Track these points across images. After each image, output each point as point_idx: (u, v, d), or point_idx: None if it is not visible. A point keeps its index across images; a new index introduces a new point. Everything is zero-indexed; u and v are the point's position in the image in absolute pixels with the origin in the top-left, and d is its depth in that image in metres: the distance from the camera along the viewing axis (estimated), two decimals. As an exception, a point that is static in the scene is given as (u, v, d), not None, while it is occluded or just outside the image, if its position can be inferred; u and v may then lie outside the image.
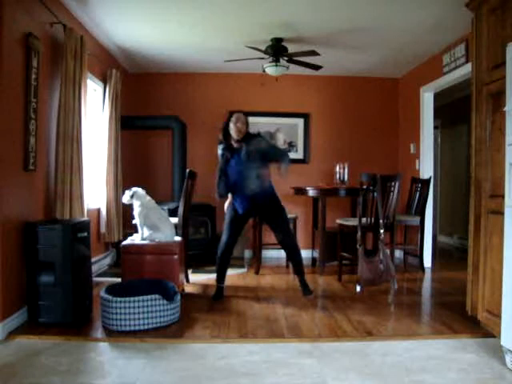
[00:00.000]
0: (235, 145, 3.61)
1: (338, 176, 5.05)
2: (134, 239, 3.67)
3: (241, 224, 3.74)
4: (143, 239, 3.61)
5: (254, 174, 3.51)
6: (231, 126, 3.55)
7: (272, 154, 3.59)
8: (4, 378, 2.15)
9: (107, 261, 4.83)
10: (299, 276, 3.78)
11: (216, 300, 3.60)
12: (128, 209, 3.95)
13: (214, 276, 4.43)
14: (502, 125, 2.49)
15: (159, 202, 3.97)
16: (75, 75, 3.47)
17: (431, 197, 5.04)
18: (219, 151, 3.69)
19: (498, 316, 2.43)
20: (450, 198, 6.96)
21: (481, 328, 2.82)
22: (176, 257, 3.54)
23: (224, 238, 3.68)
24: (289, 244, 3.76)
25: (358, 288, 3.83)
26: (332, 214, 5.07)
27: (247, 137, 3.59)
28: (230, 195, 3.72)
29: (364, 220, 4.00)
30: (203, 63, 5.39)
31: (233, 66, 5.21)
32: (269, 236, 5.43)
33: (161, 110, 5.64)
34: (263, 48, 4.41)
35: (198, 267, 4.81)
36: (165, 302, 2.88)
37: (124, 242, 3.62)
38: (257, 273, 4.65)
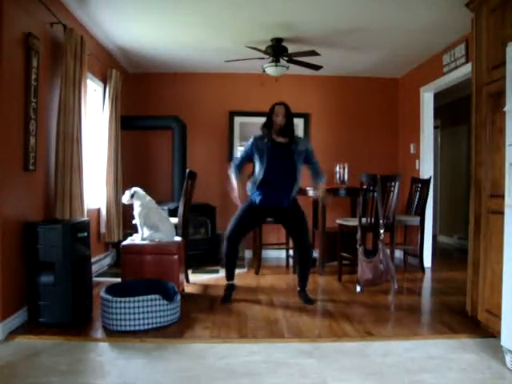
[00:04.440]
0: (278, 139, 3.50)
1: (338, 176, 5.05)
2: (134, 239, 3.67)
3: (253, 220, 3.57)
4: (143, 239, 3.61)
5: (295, 174, 3.46)
6: (274, 118, 3.47)
7: (313, 164, 3.61)
8: (4, 378, 2.15)
9: (107, 261, 4.83)
10: (301, 288, 3.58)
11: (225, 301, 3.47)
12: (128, 209, 3.95)
13: (214, 276, 4.47)
14: (501, 125, 2.49)
15: (159, 202, 3.97)
16: (75, 75, 3.47)
17: (431, 197, 5.03)
18: (251, 140, 3.52)
19: (498, 316, 2.43)
20: (450, 198, 6.96)
21: (481, 328, 2.82)
22: (176, 257, 3.54)
23: (230, 227, 3.49)
24: (302, 258, 3.57)
25: (358, 288, 3.83)
26: (332, 214, 5.06)
27: (291, 134, 3.51)
28: (235, 187, 3.53)
29: (364, 220, 4.00)
30: (203, 63, 5.39)
31: (233, 66, 5.21)
32: (269, 236, 5.45)
33: (161, 110, 5.64)
34: (263, 48, 4.41)
35: (198, 267, 4.81)
36: (165, 302, 2.88)
37: (124, 242, 3.62)
38: (257, 273, 4.64)
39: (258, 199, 3.48)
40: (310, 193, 4.80)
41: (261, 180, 3.44)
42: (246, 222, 3.55)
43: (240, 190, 3.52)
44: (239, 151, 5.80)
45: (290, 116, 3.50)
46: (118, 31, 4.33)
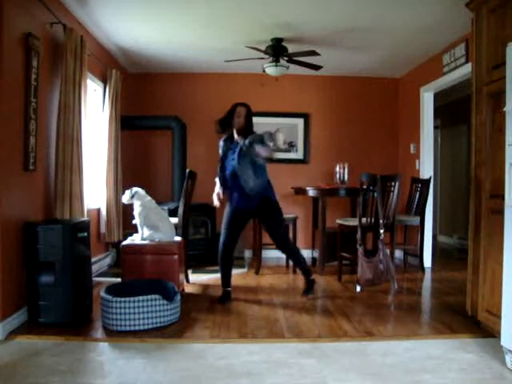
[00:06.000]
0: (236, 138, 3.53)
1: (338, 176, 5.05)
2: (134, 239, 3.67)
3: (239, 223, 3.56)
4: (143, 239, 3.61)
5: (250, 170, 3.38)
6: (234, 119, 3.48)
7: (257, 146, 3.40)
8: (4, 378, 2.15)
9: (107, 261, 4.83)
10: (305, 277, 3.71)
11: (222, 303, 3.47)
12: (128, 209, 3.95)
13: (214, 276, 4.46)
14: (501, 125, 2.49)
15: (159, 202, 3.97)
16: (75, 75, 3.47)
17: (431, 197, 5.03)
18: (220, 142, 3.62)
19: (498, 316, 2.43)
20: (450, 198, 6.96)
21: (481, 328, 2.82)
22: (176, 257, 3.54)
23: (221, 238, 3.54)
24: (283, 249, 3.66)
25: (358, 288, 3.83)
26: (332, 214, 5.06)
27: (248, 132, 3.48)
28: (220, 188, 3.62)
29: (364, 220, 4.00)
30: (203, 63, 5.39)
31: (233, 66, 5.21)
32: (268, 236, 5.45)
33: (161, 110, 5.64)
34: (263, 48, 4.41)
35: (198, 267, 4.81)
36: (165, 301, 2.88)
37: (124, 242, 3.62)
38: (257, 273, 4.65)
39: (236, 203, 3.51)
40: (310, 192, 4.80)
41: (223, 183, 3.54)
42: (234, 224, 3.54)
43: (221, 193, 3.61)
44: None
45: (250, 117, 3.51)
46: (117, 31, 4.33)
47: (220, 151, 3.61)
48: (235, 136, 3.54)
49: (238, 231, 3.59)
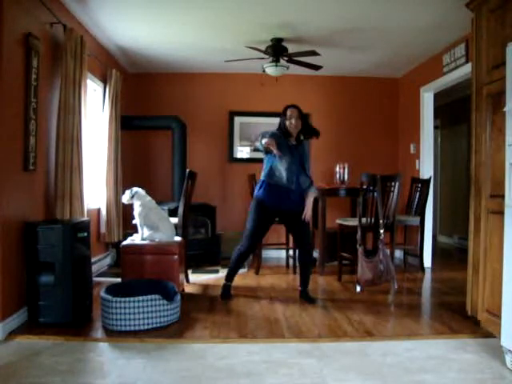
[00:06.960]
0: (291, 142, 3.52)
1: (338, 176, 5.05)
2: (134, 239, 3.67)
3: (267, 226, 3.58)
4: (143, 239, 3.61)
5: (303, 176, 3.51)
6: (287, 122, 3.48)
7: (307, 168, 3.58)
8: (4, 378, 2.15)
9: (107, 261, 4.83)
10: (302, 287, 3.62)
11: (224, 299, 3.51)
12: (128, 209, 3.95)
13: (214, 276, 4.47)
14: (501, 125, 2.49)
15: (159, 202, 3.97)
16: (75, 75, 3.47)
17: (431, 197, 5.04)
18: (275, 131, 3.50)
19: (498, 316, 2.43)
20: (449, 198, 6.96)
21: (481, 328, 2.82)
22: (176, 257, 3.54)
23: (248, 242, 3.50)
24: (306, 256, 3.61)
25: (358, 288, 3.83)
26: (332, 214, 5.06)
27: (313, 132, 3.58)
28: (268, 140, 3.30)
29: (364, 220, 4.00)
30: (203, 63, 5.39)
31: (233, 66, 5.21)
32: (269, 236, 5.44)
33: (161, 110, 5.64)
34: (263, 48, 4.41)
35: (198, 267, 4.81)
36: (165, 302, 2.88)
37: (124, 242, 3.62)
38: (257, 273, 4.64)
39: (268, 200, 3.46)
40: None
41: (276, 179, 3.43)
42: (263, 229, 3.56)
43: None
44: (239, 151, 5.81)
45: (304, 117, 3.55)
46: (117, 31, 4.33)
47: (275, 140, 3.31)
48: (289, 139, 3.51)
49: (265, 234, 3.63)
